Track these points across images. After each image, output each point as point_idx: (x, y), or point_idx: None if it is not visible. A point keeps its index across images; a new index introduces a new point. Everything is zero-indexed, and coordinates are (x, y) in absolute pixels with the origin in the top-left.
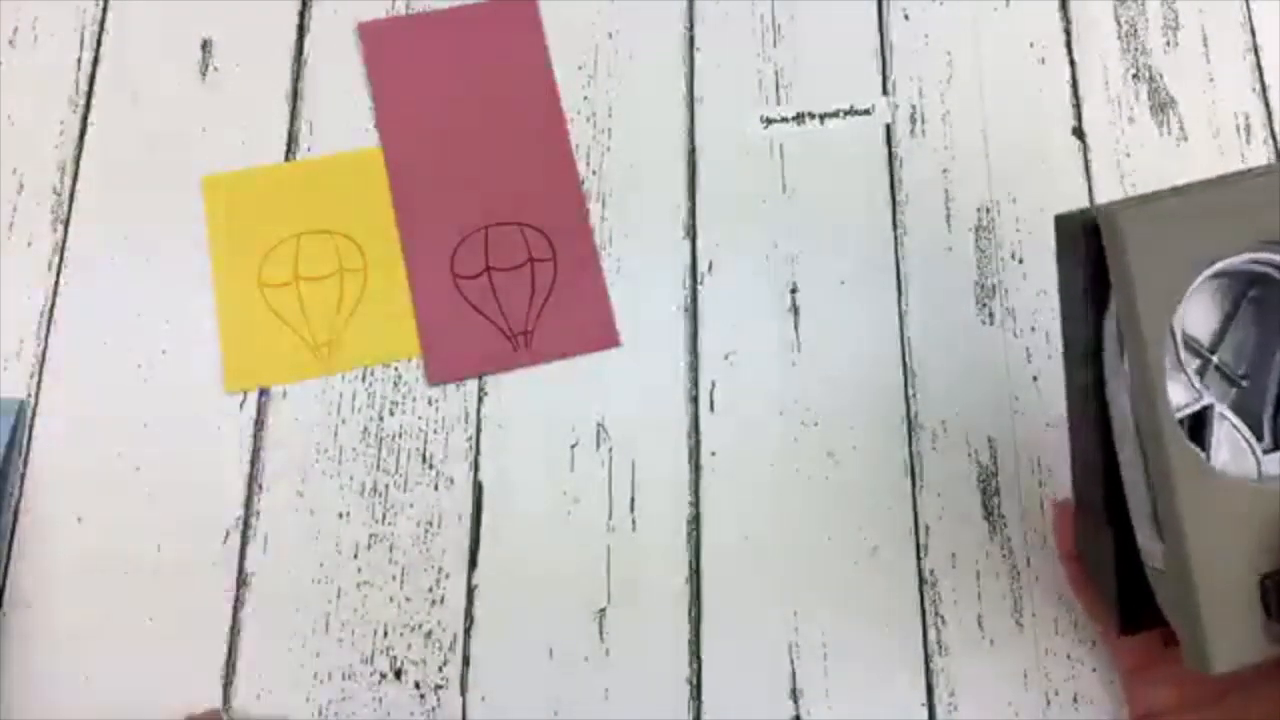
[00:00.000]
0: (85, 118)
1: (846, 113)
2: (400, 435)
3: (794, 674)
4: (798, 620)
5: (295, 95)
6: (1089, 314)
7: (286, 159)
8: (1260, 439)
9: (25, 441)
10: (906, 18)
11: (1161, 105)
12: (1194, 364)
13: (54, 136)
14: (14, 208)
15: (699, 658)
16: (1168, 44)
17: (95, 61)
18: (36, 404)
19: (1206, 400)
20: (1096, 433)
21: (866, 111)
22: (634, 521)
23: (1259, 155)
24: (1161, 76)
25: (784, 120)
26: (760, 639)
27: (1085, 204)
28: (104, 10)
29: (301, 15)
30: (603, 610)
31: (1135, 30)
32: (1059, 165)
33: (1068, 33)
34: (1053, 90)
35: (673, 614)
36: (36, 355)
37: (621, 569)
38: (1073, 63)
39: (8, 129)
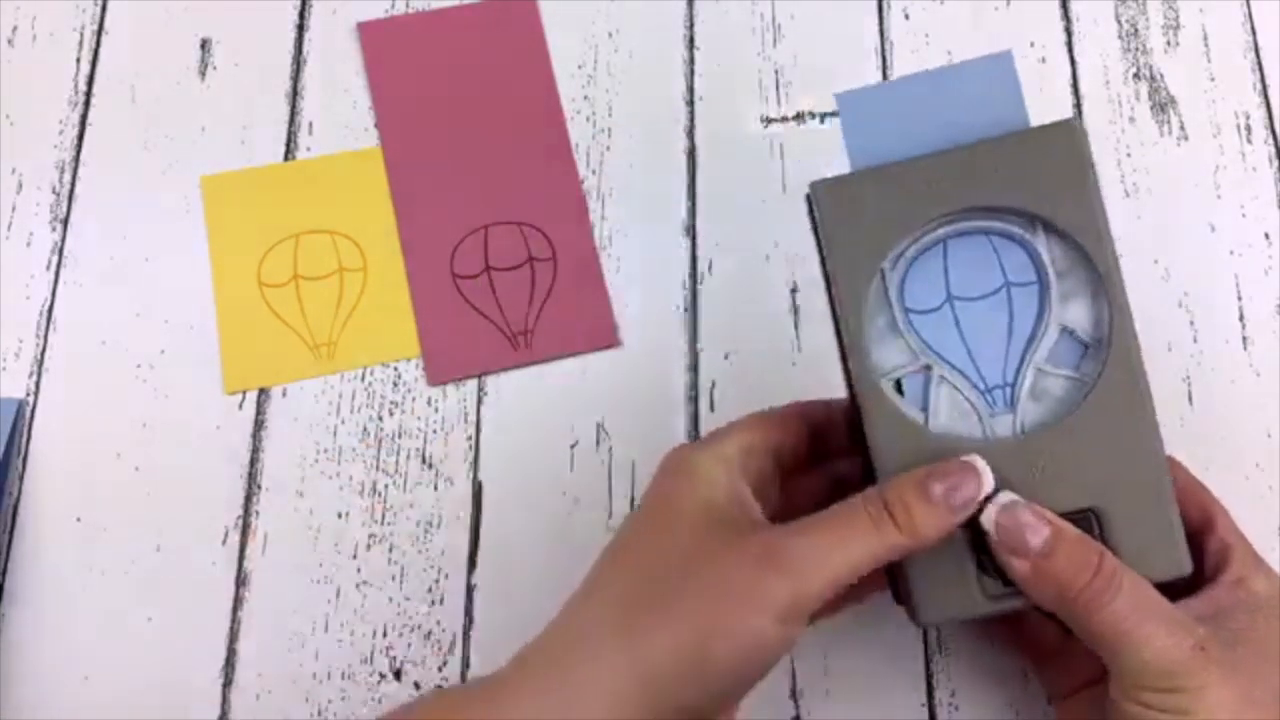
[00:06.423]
0: (85, 118)
1: None
2: (400, 435)
3: (794, 674)
4: None
5: (295, 95)
6: (825, 280)
7: (286, 159)
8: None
9: (24, 441)
10: (906, 17)
11: (1162, 105)
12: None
13: (54, 136)
14: (13, 207)
15: None
16: (1168, 44)
17: (95, 61)
18: (36, 404)
19: (923, 362)
20: (851, 394)
21: None
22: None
23: (1260, 155)
24: (1162, 76)
25: (784, 120)
26: None
27: None
28: (103, 10)
29: (301, 15)
30: None
31: (1136, 30)
32: None
33: (1068, 33)
34: (1053, 90)
35: None
36: (36, 355)
37: None
38: (1073, 63)
39: (7, 129)
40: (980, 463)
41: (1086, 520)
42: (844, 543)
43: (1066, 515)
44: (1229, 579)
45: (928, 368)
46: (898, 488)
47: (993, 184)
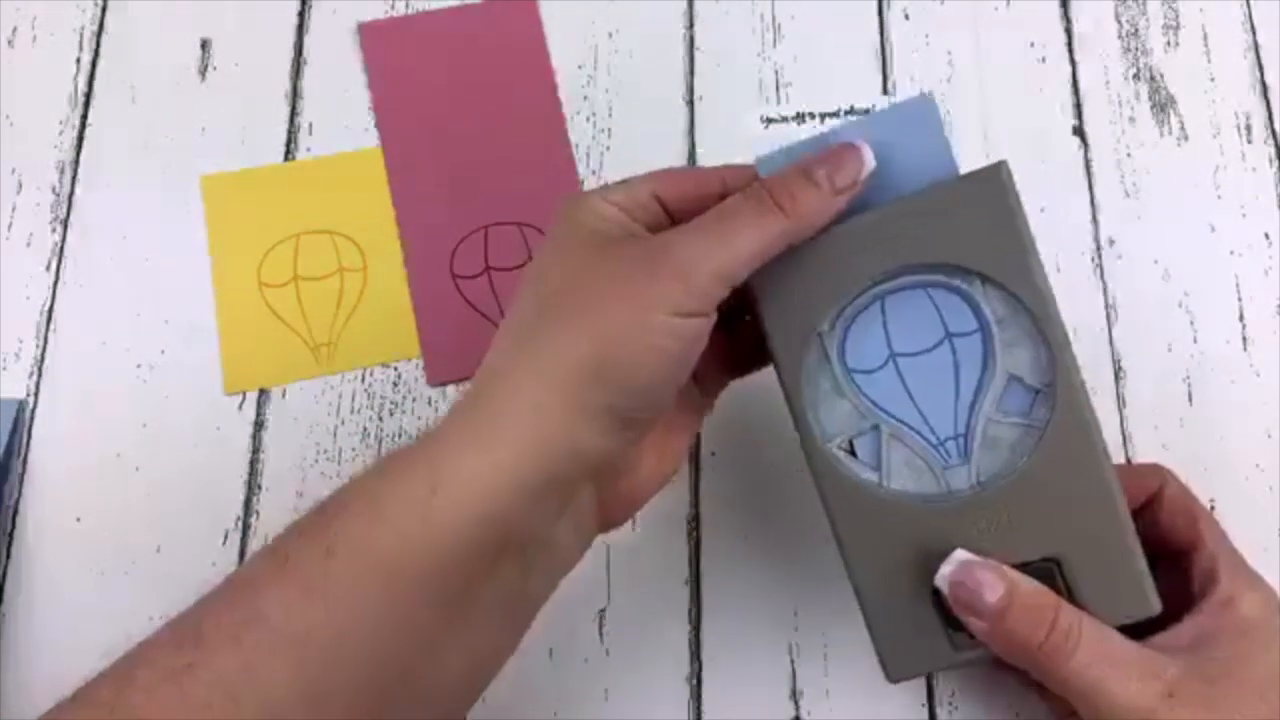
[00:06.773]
0: (85, 118)
1: (847, 112)
2: (400, 436)
3: (794, 674)
4: (798, 620)
5: (295, 95)
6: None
7: (286, 159)
8: (962, 453)
9: (25, 441)
10: (906, 17)
11: (1162, 105)
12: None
13: (54, 136)
14: (13, 208)
15: (699, 658)
16: (1168, 44)
17: (95, 61)
18: (36, 404)
19: (870, 422)
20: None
21: (866, 111)
22: (634, 521)
23: (1259, 155)
24: (1162, 76)
25: (784, 120)
26: (760, 639)
27: (1086, 204)
28: (103, 10)
29: (301, 15)
30: (603, 610)
31: (1136, 30)
32: (1059, 165)
33: (1068, 32)
34: (1053, 90)
35: (673, 614)
36: (36, 355)
37: (621, 569)
38: (1073, 63)
39: (8, 129)
40: (864, 145)
41: (1049, 569)
42: (730, 235)
43: (1029, 565)
44: (1216, 600)
45: (876, 427)
46: (782, 176)
47: (922, 241)
